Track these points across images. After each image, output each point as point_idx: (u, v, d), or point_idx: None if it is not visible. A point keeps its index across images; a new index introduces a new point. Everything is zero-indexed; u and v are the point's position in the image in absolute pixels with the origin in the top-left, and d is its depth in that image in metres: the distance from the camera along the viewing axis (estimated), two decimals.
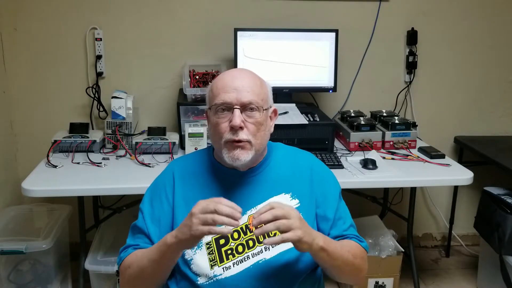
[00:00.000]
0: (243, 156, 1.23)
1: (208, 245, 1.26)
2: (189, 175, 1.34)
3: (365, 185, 2.06)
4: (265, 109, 1.27)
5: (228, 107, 1.23)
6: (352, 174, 2.04)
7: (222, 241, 1.26)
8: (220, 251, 1.25)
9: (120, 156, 2.20)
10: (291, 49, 2.46)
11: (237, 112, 1.22)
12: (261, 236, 1.14)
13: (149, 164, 2.09)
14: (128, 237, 1.33)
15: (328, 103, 2.71)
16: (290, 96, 2.53)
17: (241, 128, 1.22)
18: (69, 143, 2.21)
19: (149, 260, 1.20)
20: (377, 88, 2.74)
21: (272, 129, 1.33)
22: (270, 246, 1.25)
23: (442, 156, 2.26)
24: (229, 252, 1.24)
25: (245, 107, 1.23)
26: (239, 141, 1.23)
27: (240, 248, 1.25)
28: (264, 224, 1.08)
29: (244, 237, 1.26)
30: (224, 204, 1.08)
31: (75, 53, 2.49)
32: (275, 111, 1.35)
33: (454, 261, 2.87)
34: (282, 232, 1.08)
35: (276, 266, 1.23)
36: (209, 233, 1.09)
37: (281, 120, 2.20)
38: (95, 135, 2.26)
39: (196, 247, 1.25)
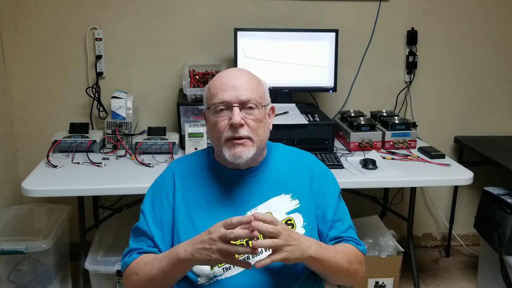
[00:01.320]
0: (245, 153, 1.23)
1: None
2: (189, 175, 1.33)
3: (365, 185, 2.06)
4: (264, 106, 1.28)
5: (227, 106, 1.23)
6: (352, 174, 2.04)
7: None
8: None
9: (120, 156, 2.20)
10: (291, 49, 2.46)
11: (236, 110, 1.22)
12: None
13: (149, 164, 2.09)
14: (130, 239, 1.32)
15: (328, 103, 2.71)
16: (290, 96, 2.53)
17: (241, 125, 1.22)
18: (69, 143, 2.21)
19: (159, 270, 1.20)
20: (377, 88, 2.74)
21: (271, 127, 1.33)
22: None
23: (442, 156, 2.26)
24: None
25: (244, 105, 1.23)
26: (240, 137, 1.22)
27: None
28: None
29: None
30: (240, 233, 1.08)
31: (75, 53, 2.49)
32: (272, 109, 1.35)
33: (454, 261, 2.87)
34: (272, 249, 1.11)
35: (276, 266, 1.22)
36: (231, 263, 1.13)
37: (281, 120, 2.20)
38: (95, 135, 2.26)
39: None
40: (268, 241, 1.10)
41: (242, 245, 1.09)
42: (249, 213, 1.27)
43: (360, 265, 1.30)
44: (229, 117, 1.22)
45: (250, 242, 1.13)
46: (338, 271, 1.23)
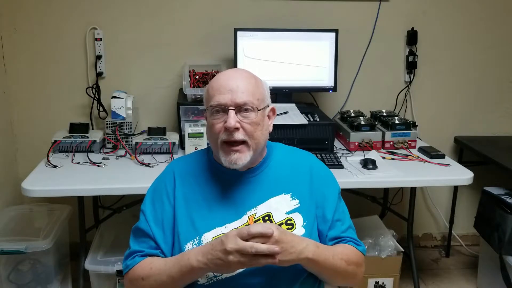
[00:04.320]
0: (241, 160, 1.23)
1: None
2: (189, 175, 1.33)
3: (365, 185, 2.06)
4: (261, 109, 1.26)
5: (223, 109, 1.23)
6: (352, 174, 2.04)
7: None
8: None
9: (120, 156, 2.20)
10: (291, 49, 2.46)
11: (231, 113, 1.21)
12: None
13: (149, 164, 2.09)
14: (131, 240, 1.31)
15: (328, 103, 2.71)
16: (290, 96, 2.53)
17: (237, 128, 1.22)
18: (69, 143, 2.21)
19: (169, 277, 1.19)
20: (377, 88, 2.74)
21: (270, 128, 1.33)
22: None
23: (442, 156, 2.26)
24: None
25: (240, 108, 1.23)
26: (235, 142, 1.22)
27: None
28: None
29: None
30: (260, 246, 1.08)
31: (75, 53, 2.49)
32: (273, 110, 1.34)
33: (454, 261, 2.87)
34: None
35: (276, 266, 1.22)
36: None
37: (281, 120, 2.20)
38: (95, 135, 2.26)
39: (196, 246, 1.24)
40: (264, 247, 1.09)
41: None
42: (249, 213, 1.27)
43: (359, 266, 1.30)
44: (225, 119, 1.22)
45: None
46: (336, 272, 1.23)
